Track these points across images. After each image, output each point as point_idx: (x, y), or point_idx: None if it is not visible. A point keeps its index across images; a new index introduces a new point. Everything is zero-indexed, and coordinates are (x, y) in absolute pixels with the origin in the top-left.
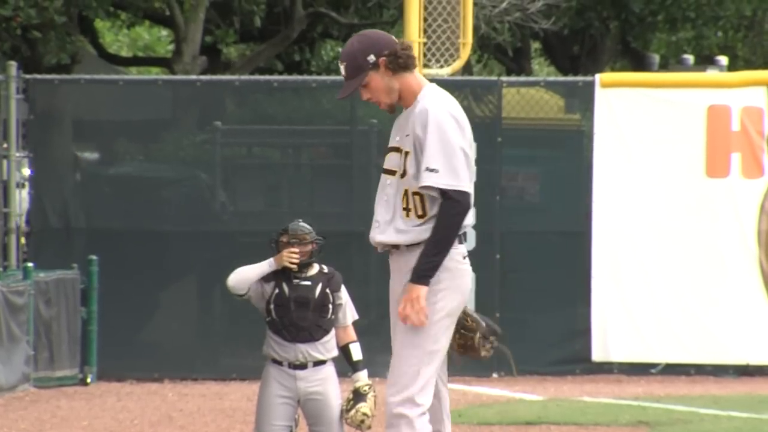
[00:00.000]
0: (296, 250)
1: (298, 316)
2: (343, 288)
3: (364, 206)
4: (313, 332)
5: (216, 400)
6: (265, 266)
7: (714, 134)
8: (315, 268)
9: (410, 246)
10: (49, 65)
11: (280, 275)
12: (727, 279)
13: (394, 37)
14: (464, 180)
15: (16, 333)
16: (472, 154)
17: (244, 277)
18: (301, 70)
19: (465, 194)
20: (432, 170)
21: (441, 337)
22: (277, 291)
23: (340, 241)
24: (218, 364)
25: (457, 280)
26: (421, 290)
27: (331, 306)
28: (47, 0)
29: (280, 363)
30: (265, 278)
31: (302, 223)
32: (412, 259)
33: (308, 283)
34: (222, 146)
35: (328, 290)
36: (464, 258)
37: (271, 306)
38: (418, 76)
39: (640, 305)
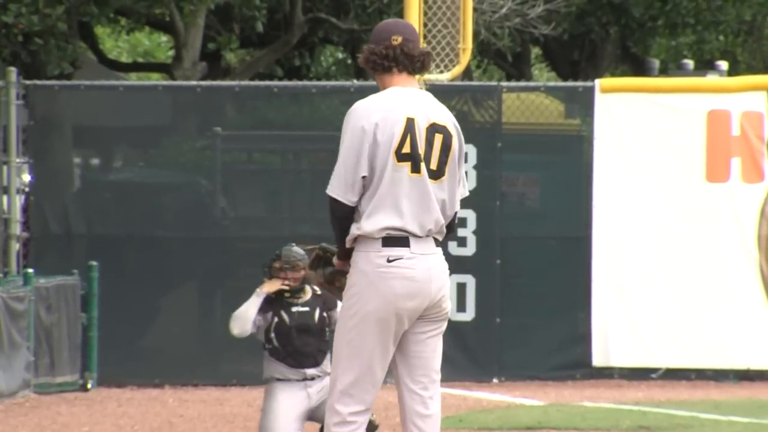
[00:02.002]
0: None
1: (301, 343)
2: (337, 302)
3: None
4: (318, 357)
5: (216, 405)
6: (255, 299)
7: (714, 139)
8: (308, 292)
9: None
10: (52, 75)
11: (277, 303)
12: (728, 283)
13: (393, 33)
14: (336, 186)
15: (17, 339)
16: (452, 158)
17: (244, 317)
18: (301, 75)
19: (332, 200)
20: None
21: (358, 343)
22: (276, 320)
23: None
24: (219, 370)
25: (376, 284)
26: (339, 262)
27: (328, 329)
28: (49, 7)
29: (287, 380)
30: (262, 308)
31: (295, 248)
32: (355, 255)
33: (306, 309)
34: (222, 152)
35: (325, 313)
36: (391, 261)
37: (272, 335)
38: (402, 78)
39: (641, 310)
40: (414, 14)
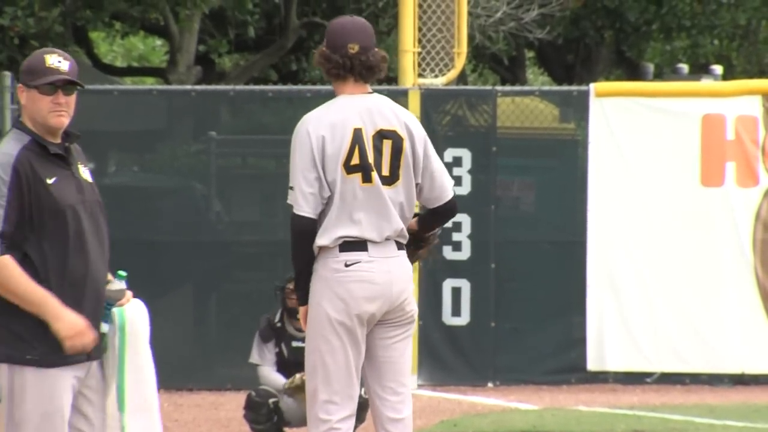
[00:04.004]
0: None
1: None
2: None
3: None
4: None
5: (211, 410)
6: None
7: (709, 143)
8: None
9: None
10: None
11: (282, 334)
12: (723, 287)
13: (350, 40)
14: (299, 203)
15: None
16: (430, 161)
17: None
18: (296, 80)
19: (296, 217)
20: (290, 187)
21: (329, 350)
22: (277, 350)
23: None
24: (214, 375)
25: (335, 288)
26: (301, 309)
27: None
28: (45, 10)
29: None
30: (265, 337)
31: None
32: (315, 264)
33: (304, 345)
34: (217, 156)
35: None
36: (348, 265)
37: (275, 360)
38: (354, 86)
39: (636, 314)
40: (409, 18)
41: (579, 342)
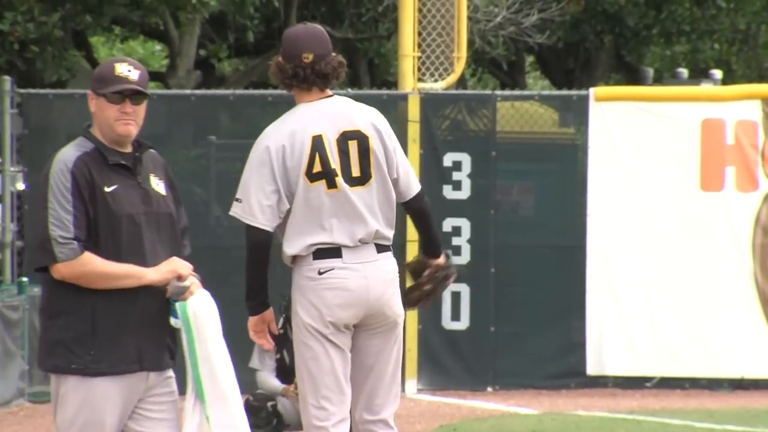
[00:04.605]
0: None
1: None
2: None
3: None
4: None
5: None
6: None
7: (708, 148)
8: None
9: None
10: (49, 82)
11: (283, 341)
12: (722, 292)
13: (304, 50)
14: (255, 215)
15: (11, 348)
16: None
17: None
18: None
19: (252, 229)
20: (237, 199)
21: (312, 356)
22: (278, 357)
23: None
24: None
25: (309, 296)
26: (250, 320)
27: None
28: (45, 15)
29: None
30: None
31: None
32: (292, 273)
33: None
34: (216, 161)
35: None
36: (322, 273)
37: (275, 366)
38: (313, 93)
39: (635, 319)
40: (408, 23)
41: (578, 346)
